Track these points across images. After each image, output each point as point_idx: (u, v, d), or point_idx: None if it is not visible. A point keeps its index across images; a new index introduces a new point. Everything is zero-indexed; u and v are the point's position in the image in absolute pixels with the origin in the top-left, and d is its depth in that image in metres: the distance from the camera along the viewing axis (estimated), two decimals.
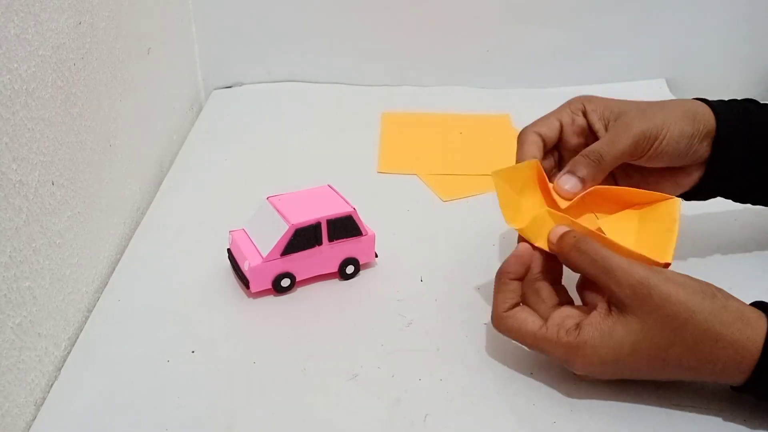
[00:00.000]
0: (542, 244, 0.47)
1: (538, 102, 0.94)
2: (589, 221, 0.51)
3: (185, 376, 0.47)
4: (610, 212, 0.51)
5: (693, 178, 0.53)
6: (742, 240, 0.63)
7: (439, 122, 0.87)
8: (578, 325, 0.43)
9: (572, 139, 0.53)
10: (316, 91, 0.96)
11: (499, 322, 0.47)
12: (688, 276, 0.43)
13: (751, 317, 0.41)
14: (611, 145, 0.50)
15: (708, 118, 0.51)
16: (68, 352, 0.50)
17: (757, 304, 0.43)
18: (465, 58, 0.96)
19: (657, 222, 0.49)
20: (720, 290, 0.42)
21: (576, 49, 0.95)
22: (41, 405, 0.46)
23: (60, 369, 0.49)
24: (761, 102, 0.55)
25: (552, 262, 0.48)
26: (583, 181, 0.50)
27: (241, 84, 0.97)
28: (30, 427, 0.44)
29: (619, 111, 0.51)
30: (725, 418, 0.45)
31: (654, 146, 0.50)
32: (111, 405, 0.45)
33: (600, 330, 0.42)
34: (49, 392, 0.47)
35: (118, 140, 0.62)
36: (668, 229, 0.48)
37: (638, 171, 0.53)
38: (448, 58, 0.96)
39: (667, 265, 0.45)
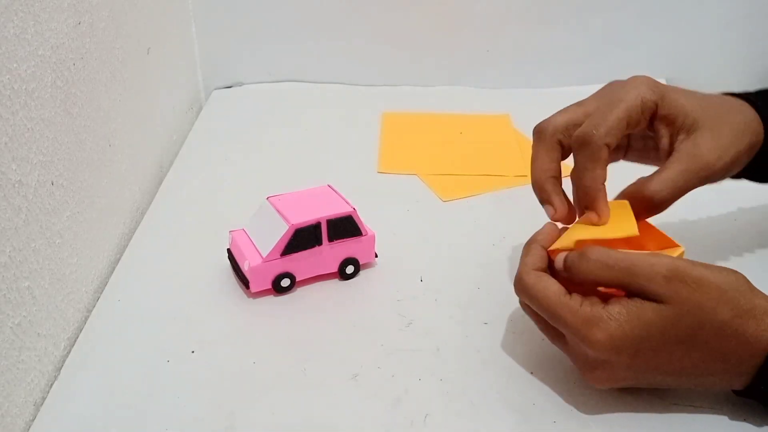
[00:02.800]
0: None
1: (538, 102, 0.94)
2: None
3: (185, 376, 0.47)
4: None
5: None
6: (742, 240, 0.63)
7: (439, 122, 0.87)
8: (605, 302, 0.41)
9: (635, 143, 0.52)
10: (316, 91, 0.96)
11: (522, 278, 0.44)
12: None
13: None
14: (677, 190, 0.46)
15: (759, 132, 0.49)
16: (68, 352, 0.50)
17: None
18: (465, 58, 0.96)
19: None
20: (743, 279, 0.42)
21: (576, 49, 0.95)
22: (41, 405, 0.46)
23: (60, 369, 0.49)
24: None
25: None
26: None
27: (241, 84, 0.97)
28: (30, 427, 0.44)
29: (692, 122, 0.47)
30: (728, 421, 0.45)
31: (713, 177, 0.48)
32: (111, 405, 0.45)
33: (628, 308, 0.40)
34: (48, 392, 0.47)
35: (117, 140, 0.62)
36: None
37: None
38: (448, 58, 0.96)
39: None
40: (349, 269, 0.57)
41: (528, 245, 0.47)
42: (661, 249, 0.48)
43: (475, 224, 0.65)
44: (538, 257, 0.46)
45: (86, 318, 0.53)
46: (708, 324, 0.40)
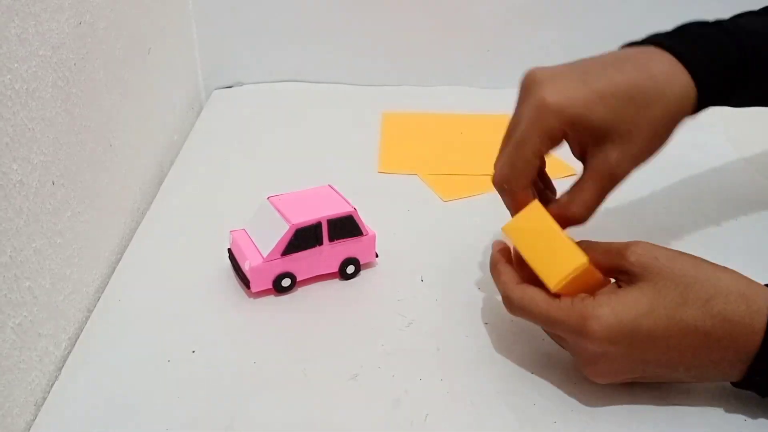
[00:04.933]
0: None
1: None
2: None
3: (185, 376, 0.47)
4: None
5: None
6: (742, 240, 0.63)
7: (440, 122, 0.87)
8: (592, 296, 0.43)
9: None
10: (316, 91, 0.96)
11: (508, 296, 0.45)
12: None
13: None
14: (596, 195, 0.48)
15: (685, 95, 0.48)
16: (69, 352, 0.50)
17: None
18: (465, 58, 0.96)
19: None
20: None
21: (576, 49, 0.94)
22: (41, 405, 0.46)
23: (60, 369, 0.49)
24: (725, 26, 0.53)
25: None
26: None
27: (241, 84, 0.97)
28: (30, 427, 0.44)
29: (603, 135, 0.47)
30: (726, 417, 0.45)
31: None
32: (111, 405, 0.45)
33: (615, 295, 0.42)
34: (49, 392, 0.47)
35: (118, 140, 0.62)
36: None
37: None
38: (448, 58, 0.96)
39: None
40: (350, 269, 0.57)
41: (495, 268, 0.48)
42: (564, 255, 0.46)
43: (475, 224, 0.65)
44: (510, 274, 0.47)
45: (87, 318, 0.53)
46: (690, 300, 0.41)
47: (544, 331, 0.48)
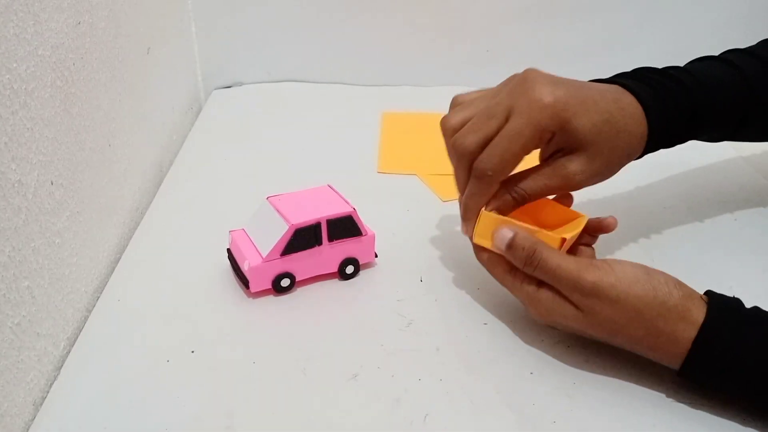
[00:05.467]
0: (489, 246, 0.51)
1: None
2: None
3: (185, 376, 0.47)
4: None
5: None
6: (742, 240, 0.63)
7: (439, 122, 0.87)
8: (538, 286, 0.48)
9: None
10: (316, 91, 0.96)
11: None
12: (641, 269, 0.45)
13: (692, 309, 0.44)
14: (542, 189, 0.51)
15: (643, 138, 0.52)
16: (67, 352, 0.50)
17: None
18: (465, 58, 0.96)
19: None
20: (668, 283, 0.45)
21: (576, 49, 0.95)
22: (40, 405, 0.46)
23: (59, 369, 0.48)
24: (673, 73, 0.56)
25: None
26: (503, 211, 0.51)
27: (241, 84, 0.97)
28: (29, 427, 0.44)
29: (576, 147, 0.50)
30: (726, 417, 0.45)
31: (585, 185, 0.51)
32: (111, 405, 0.45)
33: (554, 300, 0.47)
34: (48, 392, 0.47)
35: (117, 140, 0.62)
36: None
37: None
38: (448, 58, 0.96)
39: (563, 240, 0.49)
40: (349, 269, 0.57)
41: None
42: (566, 221, 0.52)
43: None
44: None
45: (86, 318, 0.53)
46: (620, 335, 0.46)
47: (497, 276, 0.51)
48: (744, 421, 0.44)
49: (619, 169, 0.52)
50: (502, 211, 0.51)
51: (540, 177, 0.51)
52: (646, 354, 0.46)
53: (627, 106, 0.51)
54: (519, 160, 0.50)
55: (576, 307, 0.46)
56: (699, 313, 0.44)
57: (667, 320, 0.44)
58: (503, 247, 0.49)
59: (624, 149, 0.51)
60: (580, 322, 0.46)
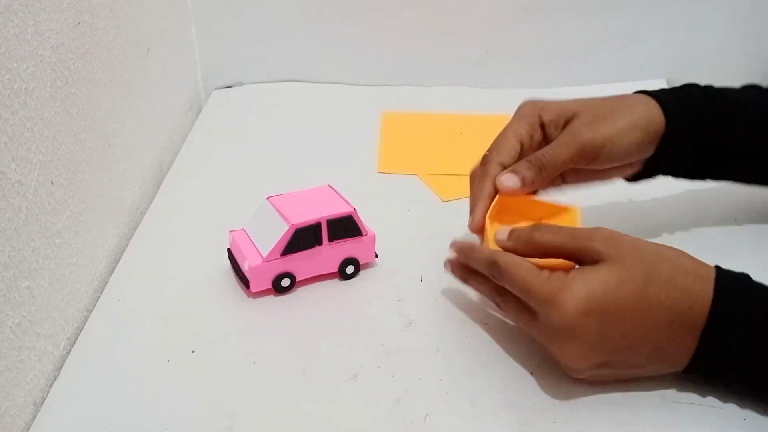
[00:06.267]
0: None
1: None
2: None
3: (185, 376, 0.47)
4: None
5: (637, 166, 0.56)
6: (741, 240, 0.63)
7: (439, 122, 0.87)
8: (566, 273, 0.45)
9: (532, 153, 0.54)
10: (316, 91, 0.96)
11: (498, 258, 0.47)
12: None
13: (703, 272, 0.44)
14: (555, 155, 0.52)
15: (659, 122, 0.53)
16: (68, 352, 0.50)
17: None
18: (465, 58, 0.96)
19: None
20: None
21: (576, 49, 0.95)
22: (40, 405, 0.46)
23: (59, 369, 0.48)
24: (711, 87, 0.57)
25: None
26: (523, 181, 0.51)
27: (241, 84, 0.97)
28: (29, 427, 0.44)
29: (572, 113, 0.53)
30: (726, 416, 0.45)
31: (601, 155, 0.52)
32: (111, 405, 0.45)
33: (586, 271, 0.44)
34: (48, 392, 0.47)
35: (117, 140, 0.62)
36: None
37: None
38: (448, 58, 0.96)
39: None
40: (349, 269, 0.57)
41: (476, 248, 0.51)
42: (557, 214, 0.53)
43: None
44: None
45: (86, 318, 0.53)
46: (654, 278, 0.43)
47: (495, 303, 0.49)
48: (745, 421, 0.44)
49: (638, 151, 0.53)
50: (524, 179, 0.51)
51: (556, 145, 0.52)
52: (681, 310, 0.43)
53: (631, 95, 0.55)
54: (516, 145, 0.53)
55: (602, 260, 0.44)
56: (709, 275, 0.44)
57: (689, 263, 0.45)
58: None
59: (636, 115, 0.52)
60: (614, 272, 0.43)
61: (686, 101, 0.55)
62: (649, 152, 0.54)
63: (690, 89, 0.56)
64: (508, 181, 0.51)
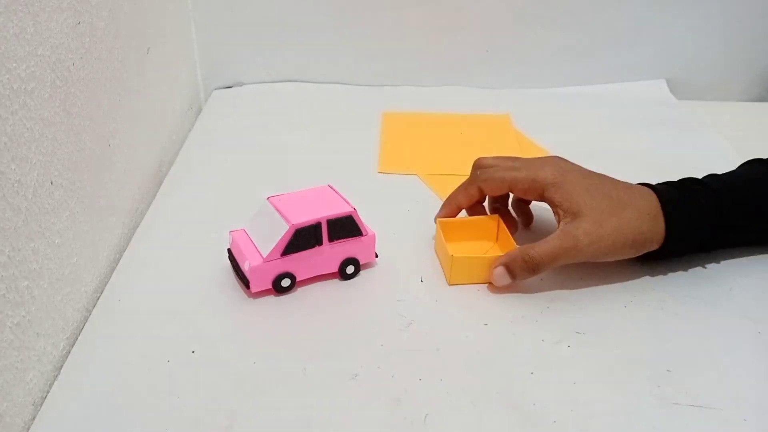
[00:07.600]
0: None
1: (538, 102, 0.94)
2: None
3: (185, 376, 0.47)
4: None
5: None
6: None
7: (439, 122, 0.87)
8: None
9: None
10: (316, 91, 0.96)
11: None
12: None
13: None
14: (552, 259, 0.53)
15: (658, 232, 0.55)
16: (67, 352, 0.50)
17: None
18: (465, 58, 0.96)
19: None
20: None
21: (576, 49, 0.95)
22: (40, 405, 0.46)
23: (59, 369, 0.48)
24: (712, 182, 0.58)
25: None
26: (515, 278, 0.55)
27: (241, 84, 0.97)
28: (29, 427, 0.44)
29: (576, 211, 0.54)
30: (726, 416, 0.45)
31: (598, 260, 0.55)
32: (111, 405, 0.45)
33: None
34: (48, 392, 0.47)
35: (117, 140, 0.62)
36: None
37: None
38: (448, 58, 0.96)
39: None
40: (350, 269, 0.57)
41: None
42: (486, 223, 0.61)
43: None
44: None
45: (86, 318, 0.53)
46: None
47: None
48: (745, 421, 0.44)
49: (642, 246, 0.55)
50: (511, 269, 0.55)
51: (552, 239, 0.54)
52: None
53: (634, 186, 0.57)
54: (504, 186, 0.58)
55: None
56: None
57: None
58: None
59: (635, 223, 0.54)
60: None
61: (688, 208, 0.56)
62: (630, 253, 0.56)
63: (695, 197, 0.56)
64: (502, 280, 0.55)
